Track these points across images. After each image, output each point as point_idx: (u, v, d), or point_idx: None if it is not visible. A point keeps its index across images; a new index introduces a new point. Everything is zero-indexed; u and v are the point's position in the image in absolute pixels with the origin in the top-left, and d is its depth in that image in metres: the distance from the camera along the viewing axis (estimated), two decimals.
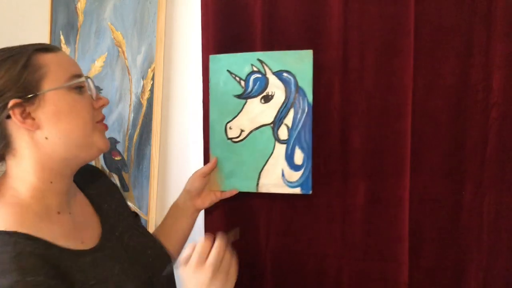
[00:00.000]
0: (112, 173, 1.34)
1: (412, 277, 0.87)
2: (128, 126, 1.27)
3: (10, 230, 0.62)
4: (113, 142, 1.31)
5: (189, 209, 0.96)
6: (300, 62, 0.89)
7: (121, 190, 0.97)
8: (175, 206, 0.98)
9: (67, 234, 0.69)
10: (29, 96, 0.66)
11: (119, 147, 1.30)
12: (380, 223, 0.89)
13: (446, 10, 0.81)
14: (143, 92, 1.21)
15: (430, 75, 0.83)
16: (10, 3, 1.54)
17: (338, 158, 0.91)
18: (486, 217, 0.82)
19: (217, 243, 0.70)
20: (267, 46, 0.95)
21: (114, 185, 0.93)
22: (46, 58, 0.68)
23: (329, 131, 0.91)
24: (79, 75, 0.71)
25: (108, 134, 1.40)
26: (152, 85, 1.17)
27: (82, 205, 0.79)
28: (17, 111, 0.65)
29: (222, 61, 0.95)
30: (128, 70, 1.26)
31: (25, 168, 0.69)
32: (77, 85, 0.70)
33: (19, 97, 0.65)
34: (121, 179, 1.31)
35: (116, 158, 1.31)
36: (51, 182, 0.70)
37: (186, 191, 0.97)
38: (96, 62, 1.38)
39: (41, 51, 0.68)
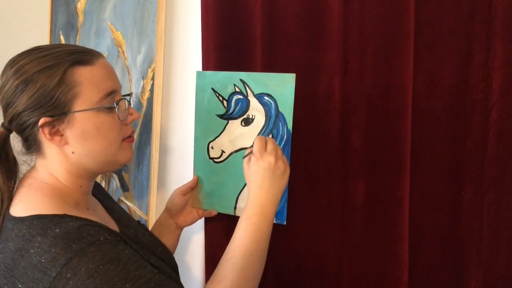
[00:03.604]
0: (112, 173, 1.34)
1: (412, 277, 0.87)
2: None
3: (58, 213, 0.65)
4: None
5: (171, 227, 0.97)
6: (282, 86, 0.87)
7: (123, 197, 0.99)
8: (157, 223, 0.99)
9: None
10: (60, 114, 0.67)
11: None
12: (380, 223, 0.89)
13: (446, 10, 0.81)
14: (143, 92, 1.21)
15: (430, 75, 0.83)
16: (10, 3, 1.54)
17: (338, 158, 0.91)
18: (486, 217, 0.82)
19: (269, 138, 0.81)
20: (267, 46, 0.95)
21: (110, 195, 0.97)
22: (82, 74, 0.68)
23: (329, 131, 0.91)
24: (112, 91, 0.71)
25: None
26: (152, 85, 1.16)
27: (99, 206, 0.83)
28: (47, 129, 0.68)
29: (207, 78, 0.94)
30: (128, 70, 1.26)
31: (54, 172, 0.72)
32: (106, 106, 0.70)
33: (49, 116, 0.67)
34: (121, 179, 1.31)
35: None
36: (80, 186, 0.74)
37: (166, 209, 0.98)
38: None
39: (78, 64, 0.68)
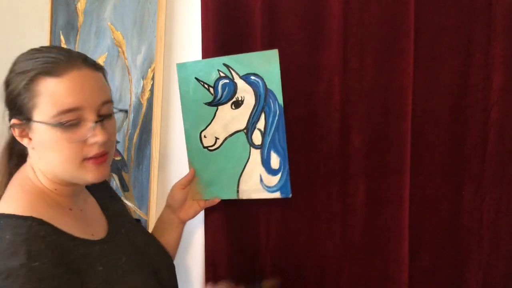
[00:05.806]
0: (112, 173, 1.34)
1: (412, 277, 0.87)
2: (128, 126, 1.27)
3: (24, 214, 0.65)
4: None
5: (174, 222, 0.97)
6: (267, 64, 0.87)
7: (123, 197, 0.98)
8: (160, 220, 0.99)
9: (78, 226, 0.72)
10: (26, 119, 0.68)
11: (119, 147, 1.30)
12: (380, 223, 0.89)
13: (446, 10, 0.81)
14: (143, 92, 1.21)
15: (430, 75, 0.83)
16: (10, 3, 1.54)
17: (338, 158, 0.91)
18: (486, 217, 0.82)
19: None
20: (267, 46, 0.95)
21: (116, 193, 0.97)
22: (45, 85, 0.66)
23: (329, 131, 0.91)
24: (74, 109, 0.67)
25: None
26: (152, 85, 1.16)
27: (92, 205, 0.83)
28: (17, 130, 0.69)
29: (189, 69, 0.94)
30: (128, 70, 1.26)
31: (34, 169, 0.72)
32: (63, 122, 0.67)
33: (18, 118, 0.69)
34: (121, 179, 1.31)
35: (116, 158, 1.31)
36: (55, 189, 0.73)
37: (168, 205, 0.97)
38: None
39: (46, 74, 0.66)
